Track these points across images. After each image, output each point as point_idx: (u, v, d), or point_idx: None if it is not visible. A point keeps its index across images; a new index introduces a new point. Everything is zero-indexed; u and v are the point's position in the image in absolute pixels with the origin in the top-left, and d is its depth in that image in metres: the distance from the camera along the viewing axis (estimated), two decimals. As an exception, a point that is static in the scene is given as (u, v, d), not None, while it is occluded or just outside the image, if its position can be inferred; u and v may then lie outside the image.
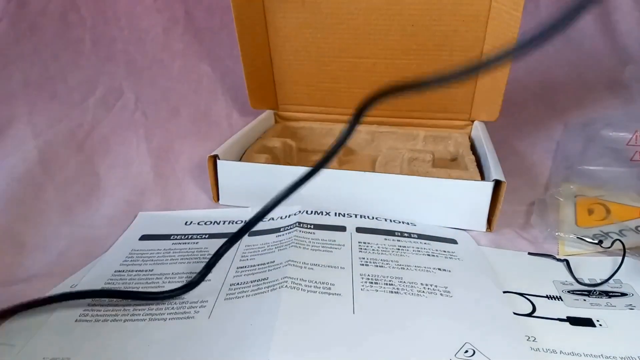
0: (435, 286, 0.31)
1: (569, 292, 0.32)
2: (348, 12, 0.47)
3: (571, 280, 0.33)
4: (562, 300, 0.31)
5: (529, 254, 0.37)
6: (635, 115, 0.48)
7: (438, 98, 0.50)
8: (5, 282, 0.33)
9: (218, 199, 0.44)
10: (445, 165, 0.47)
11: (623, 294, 0.31)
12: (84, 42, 0.62)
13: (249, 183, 0.42)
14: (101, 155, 0.50)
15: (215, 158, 0.42)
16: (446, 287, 0.31)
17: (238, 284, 0.31)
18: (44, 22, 0.60)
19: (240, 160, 0.45)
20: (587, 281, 0.33)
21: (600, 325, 0.28)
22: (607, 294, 0.31)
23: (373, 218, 0.40)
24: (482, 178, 0.40)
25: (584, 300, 0.31)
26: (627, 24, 0.68)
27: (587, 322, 0.28)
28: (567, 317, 0.29)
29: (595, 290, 0.32)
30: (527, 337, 0.27)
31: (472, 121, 0.51)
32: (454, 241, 0.37)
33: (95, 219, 0.42)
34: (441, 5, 0.45)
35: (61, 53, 0.60)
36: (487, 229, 0.39)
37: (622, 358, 0.26)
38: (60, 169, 0.47)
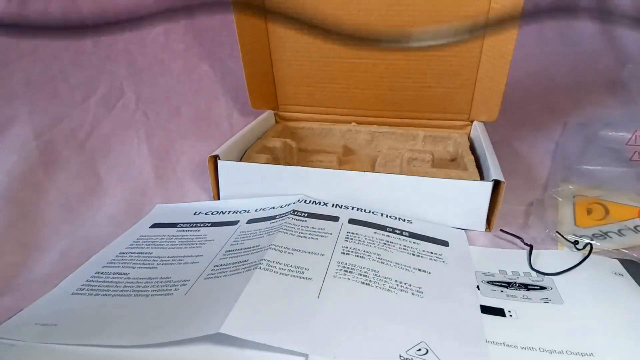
0: (409, 285, 0.31)
1: (487, 282, 0.32)
2: (348, 13, 0.47)
3: (494, 271, 0.34)
4: (479, 289, 0.31)
5: (501, 230, 0.38)
6: (634, 115, 0.49)
7: (437, 98, 0.50)
8: (6, 281, 0.33)
9: (219, 199, 0.44)
10: (444, 165, 0.47)
11: (542, 288, 0.32)
12: (85, 42, 0.62)
13: (249, 183, 0.42)
14: (102, 155, 0.51)
15: (215, 158, 0.42)
16: (420, 288, 0.31)
17: (221, 265, 0.33)
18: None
19: (240, 160, 0.45)
20: (541, 271, 0.34)
21: (511, 315, 0.29)
22: (526, 287, 0.32)
23: (369, 212, 0.40)
24: (482, 178, 0.40)
25: (501, 291, 0.31)
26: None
27: (499, 312, 0.29)
28: (480, 305, 0.30)
29: (515, 282, 0.32)
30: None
31: (472, 121, 0.51)
32: (445, 243, 0.37)
33: (96, 218, 0.42)
34: (441, 7, 0.45)
35: (62, 53, 0.60)
36: (486, 228, 0.39)
37: (522, 347, 0.26)
38: (61, 168, 0.48)
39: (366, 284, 0.31)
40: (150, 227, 0.40)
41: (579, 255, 0.35)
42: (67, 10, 0.62)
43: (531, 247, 0.36)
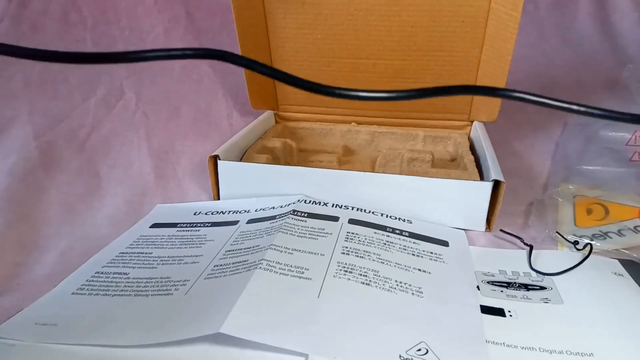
0: (409, 285, 0.31)
1: (487, 282, 0.32)
2: (348, 13, 0.47)
3: (494, 271, 0.34)
4: (479, 289, 0.32)
5: (500, 230, 0.38)
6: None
7: (437, 99, 0.50)
8: (6, 281, 0.33)
9: (219, 199, 0.44)
10: (444, 165, 0.47)
11: (542, 288, 0.32)
12: (85, 42, 0.62)
13: (249, 183, 0.42)
14: (102, 156, 0.51)
15: (215, 158, 0.42)
16: (420, 288, 0.31)
17: (221, 265, 0.33)
18: (45, 22, 0.61)
19: (240, 160, 0.45)
20: (541, 271, 0.34)
21: (511, 315, 0.29)
22: (526, 287, 0.32)
23: (369, 212, 0.40)
24: (482, 178, 0.40)
25: (501, 291, 0.31)
26: (625, 24, 0.68)
27: (499, 312, 0.29)
28: (479, 305, 0.30)
29: (515, 282, 0.32)
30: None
31: (472, 122, 0.51)
32: (445, 243, 0.37)
33: (96, 219, 0.42)
34: (440, 7, 0.45)
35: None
36: (486, 228, 0.39)
37: (522, 347, 0.26)
38: (61, 168, 0.48)
39: (366, 284, 0.31)
40: (150, 227, 0.40)
41: (579, 256, 0.35)
42: (67, 10, 0.62)
43: (531, 247, 0.36)
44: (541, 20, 0.69)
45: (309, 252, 0.33)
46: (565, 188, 0.42)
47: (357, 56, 0.50)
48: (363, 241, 0.35)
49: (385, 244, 0.36)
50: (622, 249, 0.35)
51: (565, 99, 0.17)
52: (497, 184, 0.37)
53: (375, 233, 0.37)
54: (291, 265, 0.32)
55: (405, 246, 0.36)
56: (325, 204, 0.40)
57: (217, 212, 0.42)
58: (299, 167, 0.41)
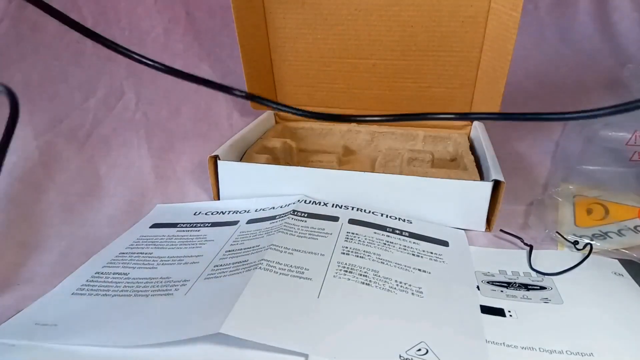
0: (409, 285, 0.31)
1: (487, 282, 0.32)
2: (348, 13, 0.47)
3: (494, 271, 0.34)
4: (479, 289, 0.32)
5: (500, 230, 0.38)
6: (634, 115, 0.48)
7: (437, 98, 0.50)
8: (6, 282, 0.33)
9: (219, 199, 0.44)
10: (444, 165, 0.47)
11: (542, 288, 0.32)
12: (85, 42, 0.62)
13: (249, 183, 0.42)
14: (102, 156, 0.51)
15: (215, 158, 0.42)
16: (420, 288, 0.31)
17: (221, 265, 0.33)
18: (45, 22, 0.61)
19: (240, 160, 0.45)
20: (541, 271, 0.34)
21: (511, 315, 0.29)
22: (526, 287, 0.32)
23: (369, 212, 0.40)
24: (482, 178, 0.40)
25: (501, 291, 0.31)
26: (625, 24, 0.68)
27: (499, 312, 0.29)
28: (479, 305, 0.30)
29: (515, 282, 0.32)
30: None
31: (472, 121, 0.51)
32: (445, 243, 0.37)
33: (96, 219, 0.42)
34: (440, 7, 0.45)
35: (62, 53, 0.60)
36: (486, 228, 0.39)
37: (522, 347, 0.27)
38: (61, 168, 0.48)
39: (366, 284, 0.31)
40: (150, 227, 0.40)
41: (579, 256, 0.35)
42: (67, 10, 0.62)
43: (531, 247, 0.36)
44: (541, 20, 0.69)
45: (309, 252, 0.33)
46: (565, 188, 0.42)
47: (357, 56, 0.50)
48: (363, 241, 0.35)
49: (385, 244, 0.36)
50: (622, 249, 0.35)
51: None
52: (497, 184, 0.37)
53: (375, 233, 0.37)
54: (291, 266, 0.32)
55: (405, 246, 0.36)
56: (325, 204, 0.40)
57: (217, 212, 0.42)
58: (299, 167, 0.41)
